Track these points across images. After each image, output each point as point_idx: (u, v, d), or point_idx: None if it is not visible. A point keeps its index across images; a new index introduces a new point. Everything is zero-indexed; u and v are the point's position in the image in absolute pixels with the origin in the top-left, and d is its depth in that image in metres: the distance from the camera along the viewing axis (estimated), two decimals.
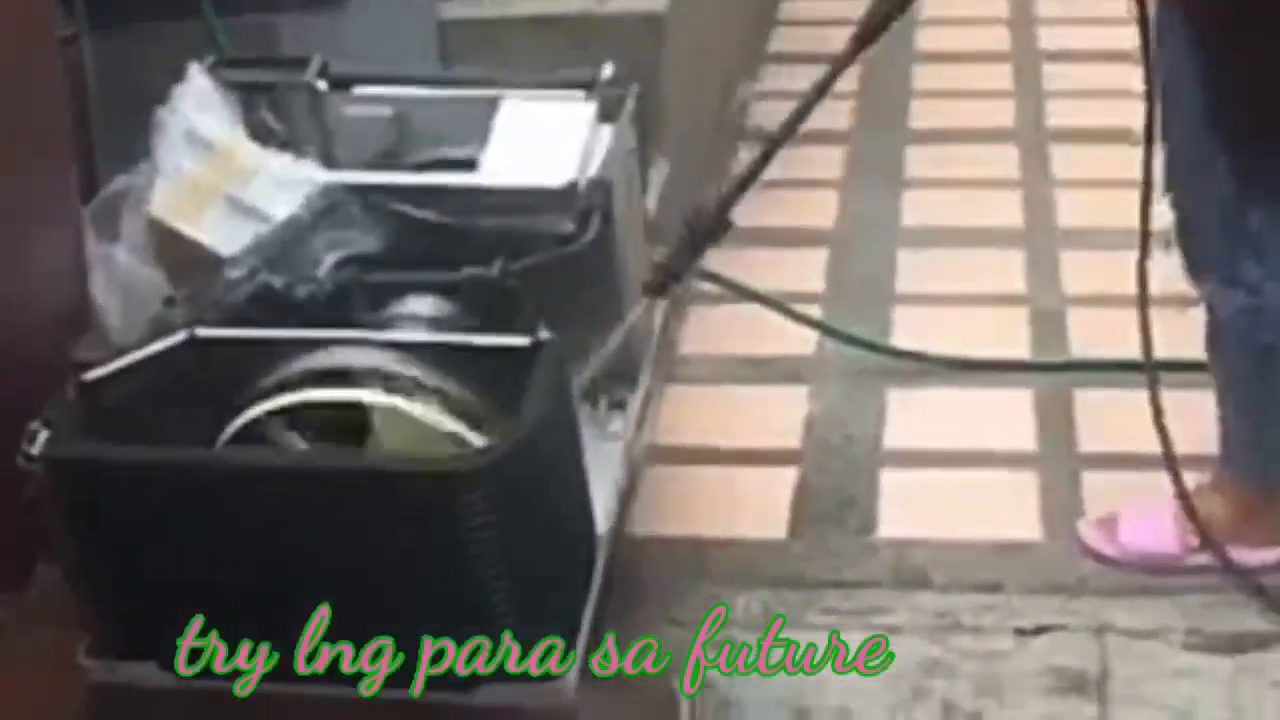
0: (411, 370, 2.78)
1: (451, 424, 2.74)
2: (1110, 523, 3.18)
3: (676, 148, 4.02)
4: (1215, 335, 3.01)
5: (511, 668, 2.70)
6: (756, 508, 3.36)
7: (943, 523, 3.28)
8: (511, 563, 2.64)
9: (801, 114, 2.94)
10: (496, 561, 2.61)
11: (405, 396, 2.76)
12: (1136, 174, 4.43)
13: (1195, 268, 2.98)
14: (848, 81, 5.12)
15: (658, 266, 3.05)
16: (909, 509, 3.34)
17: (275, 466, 2.70)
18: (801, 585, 3.14)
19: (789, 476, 3.44)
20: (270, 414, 2.77)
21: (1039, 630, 3.00)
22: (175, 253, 3.01)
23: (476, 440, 2.72)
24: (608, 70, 3.21)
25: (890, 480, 3.42)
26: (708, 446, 3.54)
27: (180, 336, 2.83)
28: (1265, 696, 2.84)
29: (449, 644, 2.65)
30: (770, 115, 4.90)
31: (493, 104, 3.16)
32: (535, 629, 2.72)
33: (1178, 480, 3.03)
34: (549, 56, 3.92)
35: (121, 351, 2.86)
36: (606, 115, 3.16)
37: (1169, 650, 2.94)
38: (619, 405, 3.22)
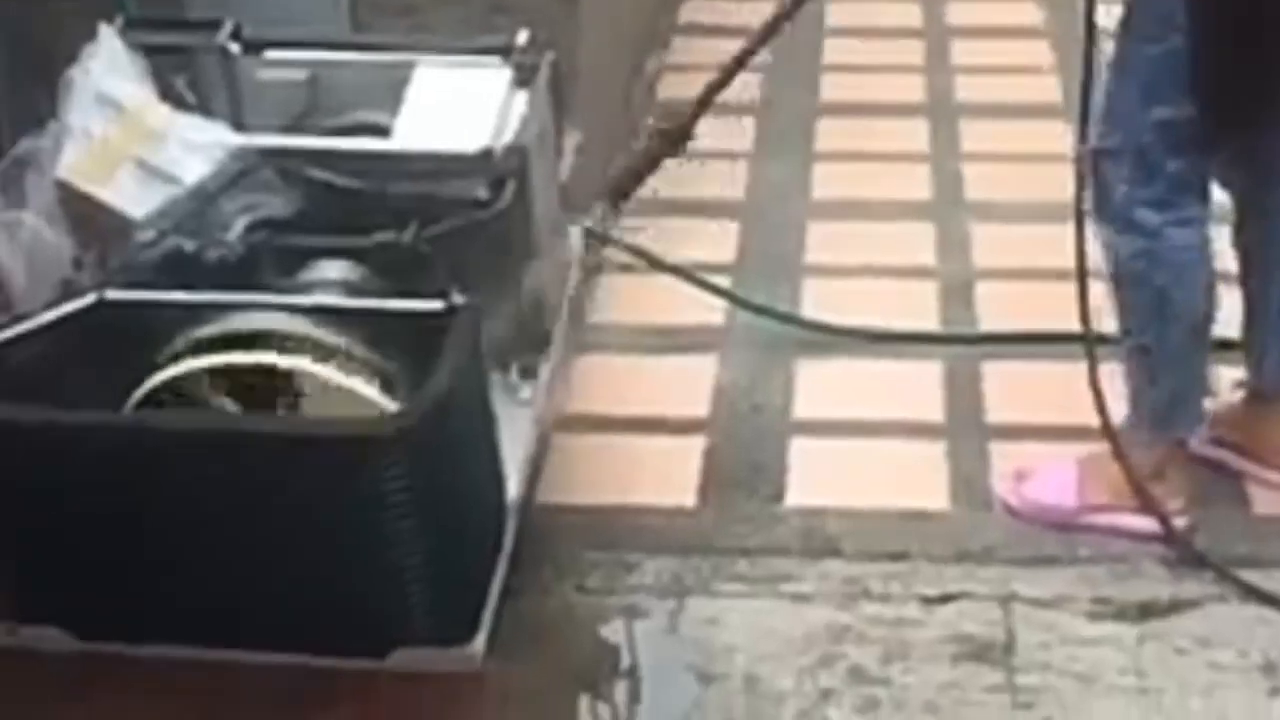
0: (322, 334, 2.77)
1: (364, 388, 2.74)
2: (1024, 475, 3.24)
3: (588, 117, 4.01)
4: (1115, 277, 3.08)
5: (421, 633, 2.72)
6: (666, 476, 3.36)
7: (851, 491, 3.29)
8: (423, 527, 2.64)
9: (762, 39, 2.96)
10: (409, 526, 2.62)
11: (317, 360, 2.75)
12: (1044, 148, 4.53)
13: (1101, 210, 3.06)
14: (758, 55, 5.20)
15: (615, 175, 3.03)
16: (817, 478, 3.35)
17: (185, 430, 2.69)
18: (710, 553, 3.15)
19: (698, 445, 3.44)
20: (178, 376, 2.76)
21: (946, 598, 3.03)
22: (84, 216, 2.98)
23: (390, 405, 2.72)
24: (523, 37, 3.21)
25: (799, 449, 3.43)
26: (617, 415, 3.54)
27: (89, 299, 2.82)
28: (1169, 662, 2.87)
29: (360, 608, 2.66)
30: (679, 87, 4.91)
31: (408, 69, 3.15)
32: (445, 594, 2.73)
33: (1108, 428, 3.07)
34: (460, 26, 3.90)
35: (29, 314, 2.84)
36: (522, 82, 3.15)
37: (1074, 618, 2.97)
38: (529, 373, 3.21)
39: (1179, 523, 3.10)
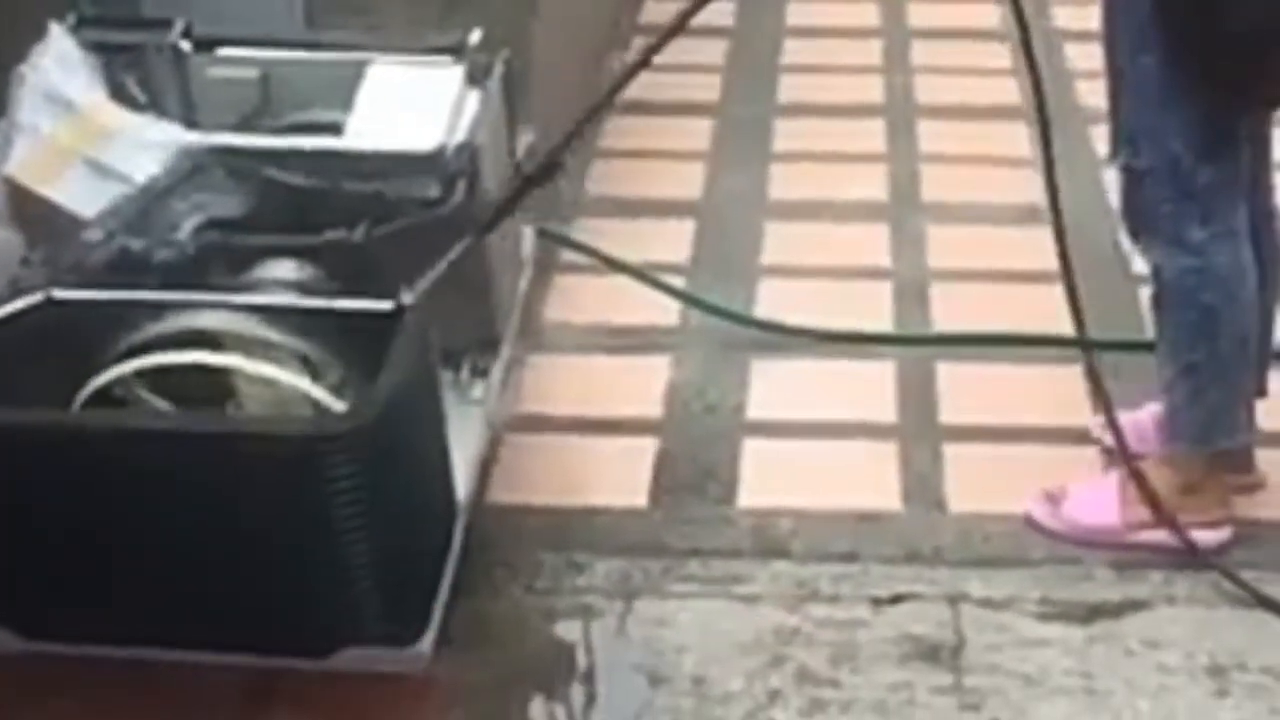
0: (271, 333, 2.77)
1: (312, 388, 2.73)
2: (1057, 497, 3.20)
3: (543, 117, 4.00)
4: (1160, 296, 3.06)
5: (369, 633, 2.71)
6: (617, 476, 3.36)
7: (802, 492, 3.30)
8: (372, 527, 2.63)
9: (654, 49, 2.91)
10: (358, 525, 2.61)
11: (265, 360, 2.75)
12: (1001, 150, 4.55)
13: (1140, 230, 3.06)
14: (716, 54, 5.21)
15: (490, 205, 3.01)
16: (769, 478, 3.36)
17: (133, 428, 2.68)
18: (661, 554, 3.15)
19: (650, 446, 3.44)
20: (127, 376, 2.75)
21: (895, 599, 3.03)
22: (32, 214, 2.96)
23: (337, 404, 2.71)
24: (476, 36, 3.20)
25: (751, 450, 3.43)
26: (569, 415, 3.54)
27: (37, 298, 2.81)
28: (1117, 663, 2.88)
29: (309, 607, 2.65)
30: (639, 87, 4.89)
31: (360, 68, 3.15)
32: (394, 593, 2.72)
33: (1124, 450, 3.08)
34: (414, 25, 3.89)
35: None
36: (475, 81, 3.15)
37: (1022, 620, 2.98)
38: (481, 372, 3.21)
39: (1219, 536, 3.10)
